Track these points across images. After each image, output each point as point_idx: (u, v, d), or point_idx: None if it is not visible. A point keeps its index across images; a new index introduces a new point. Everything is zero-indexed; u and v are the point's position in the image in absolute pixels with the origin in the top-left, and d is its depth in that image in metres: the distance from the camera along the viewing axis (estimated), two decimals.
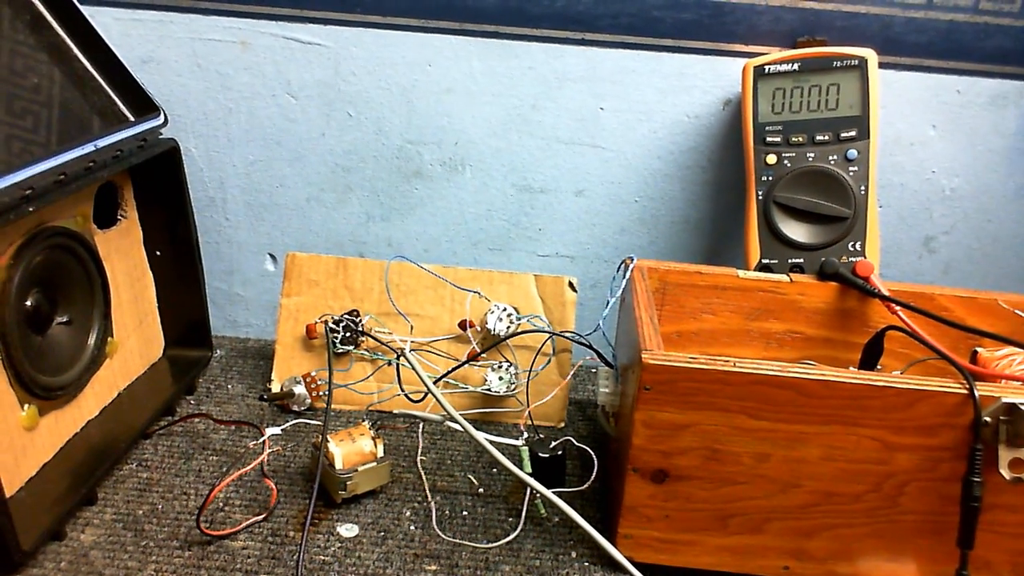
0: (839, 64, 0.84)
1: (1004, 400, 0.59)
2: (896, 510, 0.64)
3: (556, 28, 0.91)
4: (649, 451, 0.64)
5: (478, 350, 0.86)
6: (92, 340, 0.76)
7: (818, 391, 0.61)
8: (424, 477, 0.77)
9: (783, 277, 0.82)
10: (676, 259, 1.00)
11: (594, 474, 0.75)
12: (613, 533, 0.67)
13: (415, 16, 0.91)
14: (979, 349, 0.74)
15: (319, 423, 0.84)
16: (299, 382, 0.86)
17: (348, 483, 0.71)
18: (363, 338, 0.87)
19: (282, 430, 0.82)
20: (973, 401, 0.60)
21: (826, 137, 0.84)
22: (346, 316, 0.87)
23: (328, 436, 0.73)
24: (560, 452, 0.74)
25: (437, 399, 0.74)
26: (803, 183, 0.84)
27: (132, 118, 0.80)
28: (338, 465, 0.71)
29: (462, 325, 0.87)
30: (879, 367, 0.78)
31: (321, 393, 0.86)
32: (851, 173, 0.84)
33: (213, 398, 0.88)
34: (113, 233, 0.80)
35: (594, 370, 0.96)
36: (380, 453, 0.73)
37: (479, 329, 0.87)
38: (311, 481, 0.73)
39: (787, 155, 0.85)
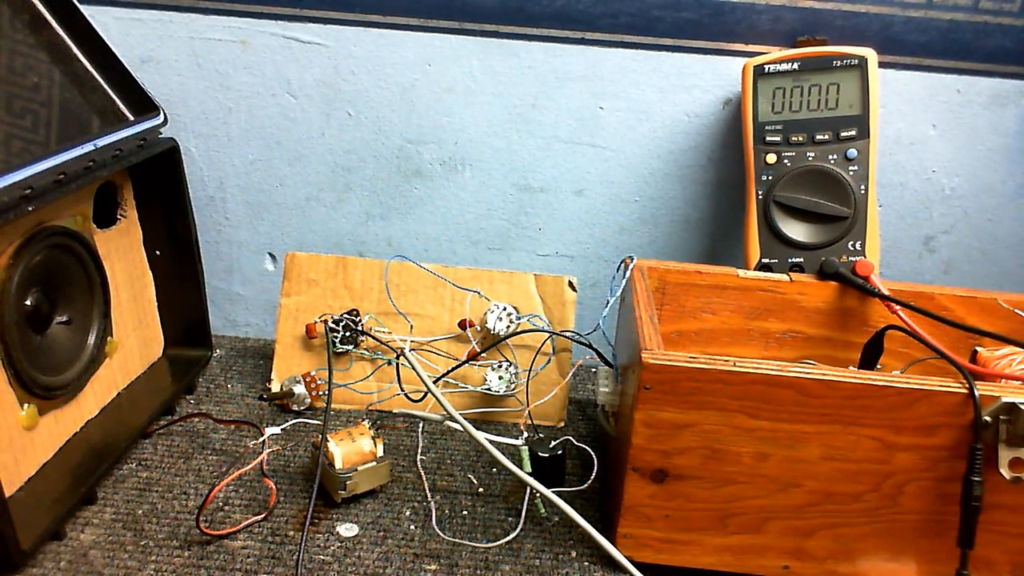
0: (839, 63, 0.84)
1: (1004, 400, 0.59)
2: (896, 510, 0.64)
3: (556, 28, 0.91)
4: (649, 451, 0.64)
5: (478, 350, 0.86)
6: (92, 340, 0.76)
7: (818, 391, 0.61)
8: (424, 477, 0.77)
9: (783, 277, 0.82)
10: (676, 258, 1.00)
11: (594, 474, 0.75)
12: (613, 533, 0.67)
13: (415, 16, 0.91)
14: (979, 348, 0.74)
15: (319, 423, 0.84)
16: (299, 382, 0.86)
17: (348, 483, 0.71)
18: (363, 338, 0.87)
19: (282, 430, 0.82)
20: (973, 401, 0.60)
21: (826, 136, 0.84)
22: (346, 316, 0.87)
23: (328, 435, 0.73)
24: (560, 452, 0.74)
25: (437, 399, 0.74)
26: (803, 182, 0.84)
27: (132, 117, 0.80)
28: (338, 465, 0.71)
29: (462, 325, 0.87)
30: (879, 367, 0.78)
31: (321, 392, 0.86)
32: (851, 172, 0.84)
33: (213, 398, 0.88)
34: (113, 233, 0.80)
35: (594, 370, 0.96)
36: (380, 453, 0.73)
37: (479, 329, 0.87)
38: (311, 481, 0.73)
39: (787, 154, 0.84)
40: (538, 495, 0.70)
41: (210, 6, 0.91)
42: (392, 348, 0.86)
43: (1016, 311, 0.79)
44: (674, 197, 0.98)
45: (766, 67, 0.84)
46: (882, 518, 0.64)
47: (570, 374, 0.87)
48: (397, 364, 0.84)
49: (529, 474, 0.71)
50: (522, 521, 0.71)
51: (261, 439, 0.80)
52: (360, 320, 0.88)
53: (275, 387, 0.88)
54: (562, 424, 0.88)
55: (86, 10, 0.77)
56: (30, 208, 0.61)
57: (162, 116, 0.81)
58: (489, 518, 0.73)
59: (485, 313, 0.86)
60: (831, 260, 0.82)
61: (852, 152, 0.84)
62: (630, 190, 0.98)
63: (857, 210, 0.84)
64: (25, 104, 0.70)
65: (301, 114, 0.96)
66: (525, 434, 0.76)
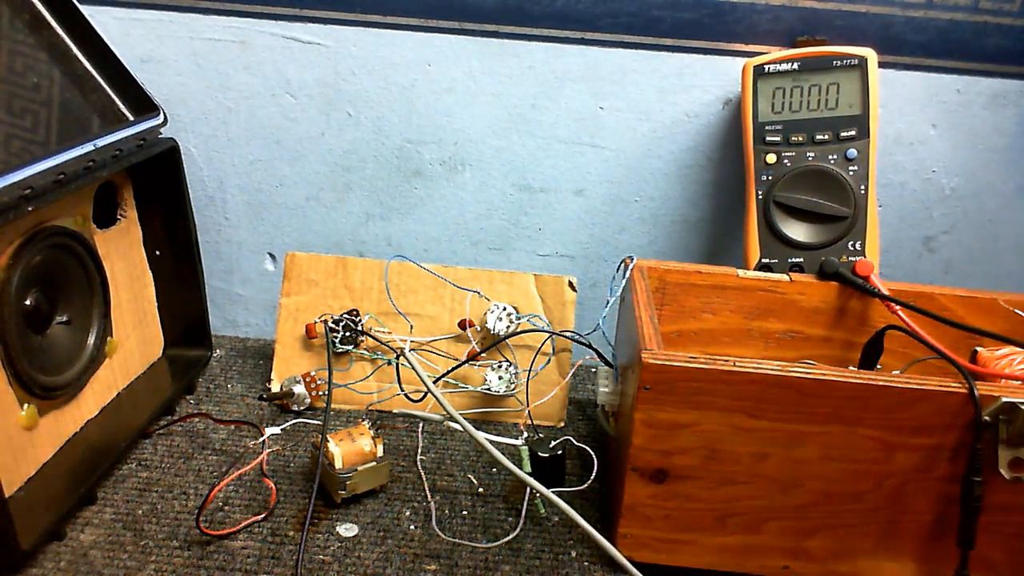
0: (839, 63, 0.84)
1: (1004, 400, 0.59)
2: (896, 510, 0.64)
3: (556, 28, 0.91)
4: (649, 451, 0.64)
5: (478, 350, 0.86)
6: (91, 340, 0.76)
7: (818, 391, 0.61)
8: (424, 477, 0.77)
9: (783, 277, 0.82)
10: (676, 259, 1.00)
11: (594, 474, 0.75)
12: (613, 533, 0.67)
13: (415, 16, 0.91)
14: (979, 348, 0.74)
15: (319, 423, 0.84)
16: (299, 382, 0.86)
17: (348, 483, 0.71)
18: (363, 338, 0.87)
19: (282, 430, 0.82)
20: (973, 401, 0.60)
21: (826, 136, 0.84)
22: (346, 316, 0.87)
23: (328, 436, 0.72)
24: (560, 452, 0.74)
25: (437, 399, 0.74)
26: (803, 182, 0.84)
27: (131, 117, 0.80)
28: (338, 465, 0.71)
29: (462, 325, 0.87)
30: (879, 367, 0.78)
31: (321, 393, 0.86)
32: (851, 172, 0.84)
33: (213, 398, 0.88)
34: (112, 233, 0.80)
35: (594, 370, 0.96)
36: (380, 453, 0.73)
37: (479, 329, 0.87)
38: (311, 481, 0.73)
39: (787, 154, 0.84)
40: (538, 495, 0.70)
41: (210, 6, 0.91)
42: (392, 348, 0.86)
43: (1016, 311, 0.79)
44: (674, 197, 0.98)
45: (766, 67, 0.84)
46: (882, 518, 0.64)
47: (570, 374, 0.87)
48: (397, 364, 0.84)
49: (529, 474, 0.71)
50: (522, 521, 0.71)
51: (261, 439, 0.80)
52: (360, 320, 0.88)
53: (275, 387, 0.88)
54: (562, 424, 0.88)
55: (86, 10, 0.77)
56: (30, 208, 0.61)
57: (162, 116, 0.81)
58: (489, 518, 0.73)
59: (485, 313, 0.86)
60: (831, 260, 0.82)
61: (852, 152, 0.84)
62: (630, 190, 0.97)
63: (857, 210, 0.84)
64: (25, 104, 0.70)
65: (301, 114, 0.96)
66: (525, 434, 0.76)
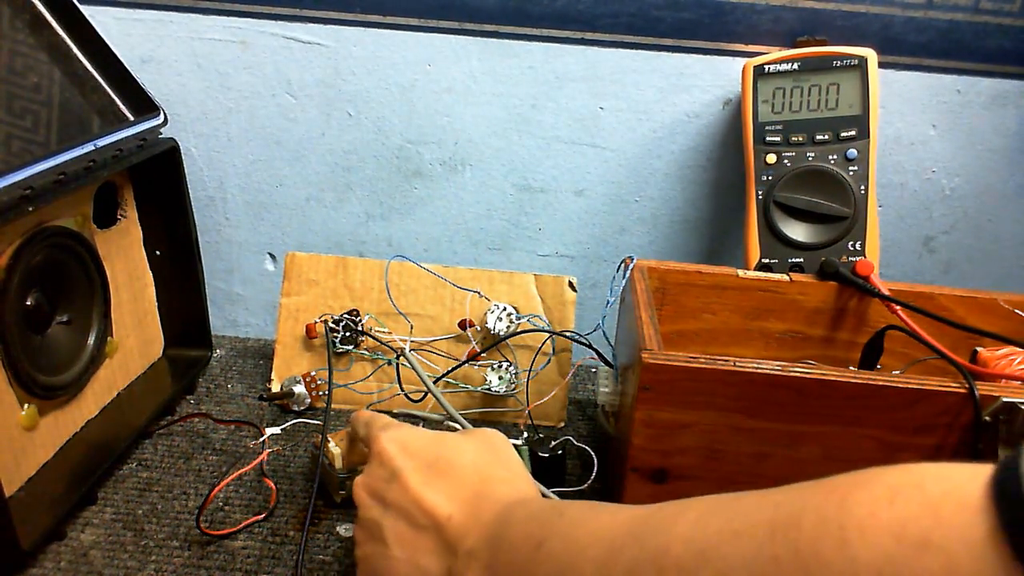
0: (839, 64, 0.84)
1: (1004, 400, 0.59)
2: None
3: (556, 28, 0.91)
4: (649, 451, 0.64)
5: (478, 350, 0.86)
6: (92, 340, 0.76)
7: (818, 391, 0.61)
8: None
9: (783, 276, 0.82)
10: (676, 259, 1.00)
11: (594, 474, 0.75)
12: None
13: (415, 16, 0.91)
14: (979, 348, 0.74)
15: (319, 423, 0.84)
16: (299, 382, 0.86)
17: (348, 482, 0.71)
18: (363, 338, 0.87)
19: (282, 430, 0.82)
20: (973, 401, 0.60)
21: (826, 137, 0.84)
22: (346, 316, 0.87)
23: (328, 436, 0.73)
24: (560, 452, 0.74)
25: (437, 399, 0.74)
26: (803, 183, 0.84)
27: (132, 118, 0.80)
28: (338, 465, 0.71)
29: (462, 325, 0.87)
30: (879, 367, 0.78)
31: (321, 393, 0.86)
32: (851, 173, 0.84)
33: (213, 398, 0.88)
34: (113, 233, 0.80)
35: (594, 370, 0.96)
36: None
37: (479, 329, 0.87)
38: (311, 481, 0.73)
39: (787, 155, 0.84)
40: None
41: (210, 6, 0.91)
42: (392, 348, 0.86)
43: (1016, 311, 0.79)
44: (674, 197, 0.98)
45: (766, 67, 0.84)
46: None
47: (570, 374, 0.87)
48: (397, 364, 0.84)
49: (529, 474, 0.71)
50: None
51: (261, 439, 0.80)
52: (360, 320, 0.88)
53: (275, 387, 0.88)
54: (562, 424, 0.88)
55: (86, 10, 0.77)
56: (30, 208, 0.61)
57: (162, 116, 0.81)
58: None
59: (485, 313, 0.86)
60: (831, 260, 0.82)
61: (852, 152, 0.84)
62: (630, 190, 0.98)
63: (857, 210, 0.84)
64: (25, 104, 0.70)
65: (301, 114, 0.96)
66: (525, 434, 0.76)
